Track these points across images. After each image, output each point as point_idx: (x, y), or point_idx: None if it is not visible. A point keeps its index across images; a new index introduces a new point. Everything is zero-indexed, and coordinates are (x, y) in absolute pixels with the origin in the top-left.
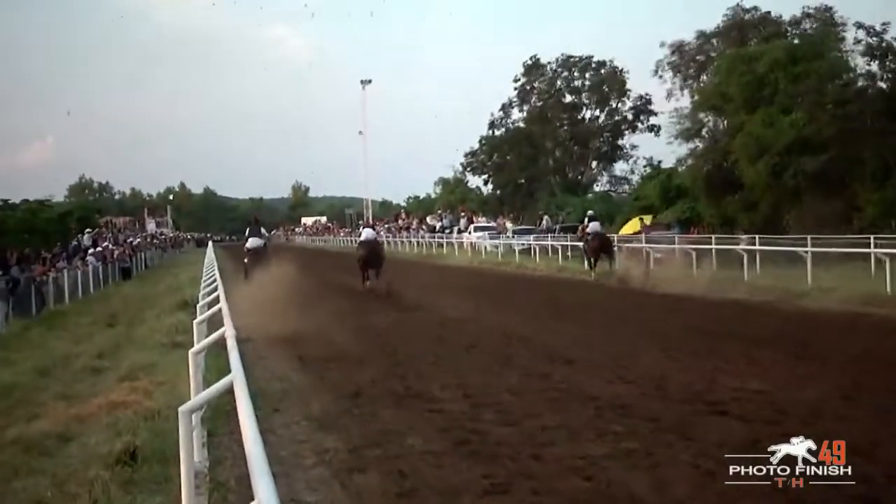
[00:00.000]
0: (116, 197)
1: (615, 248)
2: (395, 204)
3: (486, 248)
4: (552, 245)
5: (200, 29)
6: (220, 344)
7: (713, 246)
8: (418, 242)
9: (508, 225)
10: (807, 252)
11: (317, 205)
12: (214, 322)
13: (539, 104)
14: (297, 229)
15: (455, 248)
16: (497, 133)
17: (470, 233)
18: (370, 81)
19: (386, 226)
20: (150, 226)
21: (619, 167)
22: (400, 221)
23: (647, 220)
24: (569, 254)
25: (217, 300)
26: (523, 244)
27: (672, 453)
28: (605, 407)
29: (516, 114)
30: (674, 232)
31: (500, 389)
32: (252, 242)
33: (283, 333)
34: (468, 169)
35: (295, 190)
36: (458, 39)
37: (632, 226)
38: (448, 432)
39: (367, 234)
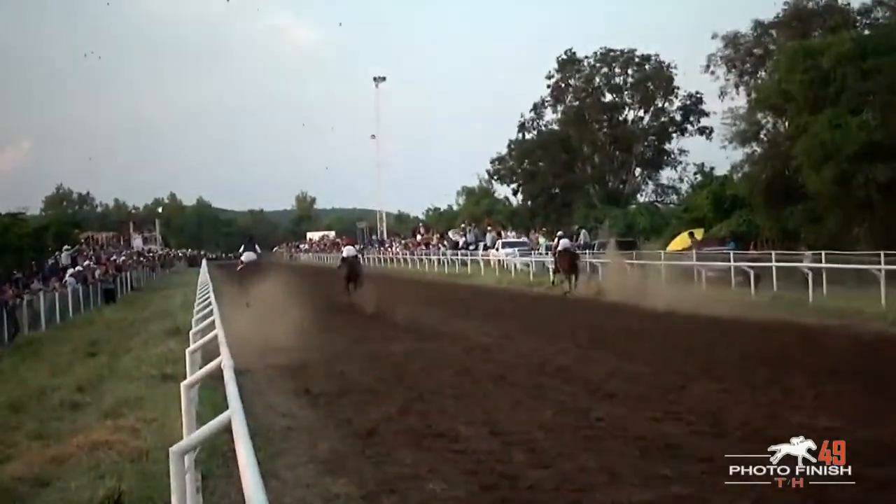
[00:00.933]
0: (98, 209)
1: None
2: (412, 217)
3: (515, 266)
4: (591, 263)
5: (192, 18)
6: (216, 376)
7: (773, 263)
8: (439, 260)
9: (541, 240)
10: (880, 270)
11: (324, 218)
12: (209, 351)
13: (575, 104)
14: (302, 246)
15: (481, 267)
16: (528, 136)
17: (497, 249)
18: (384, 79)
19: (403, 241)
20: (137, 242)
21: (666, 175)
22: (418, 237)
23: (699, 234)
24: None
25: (212, 326)
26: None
27: (729, 499)
28: (651, 446)
29: (549, 115)
30: (729, 248)
31: (532, 426)
32: (246, 256)
33: (286, 363)
34: (495, 177)
35: (299, 201)
36: (485, 31)
37: (680, 241)
38: (474, 475)
39: (348, 251)
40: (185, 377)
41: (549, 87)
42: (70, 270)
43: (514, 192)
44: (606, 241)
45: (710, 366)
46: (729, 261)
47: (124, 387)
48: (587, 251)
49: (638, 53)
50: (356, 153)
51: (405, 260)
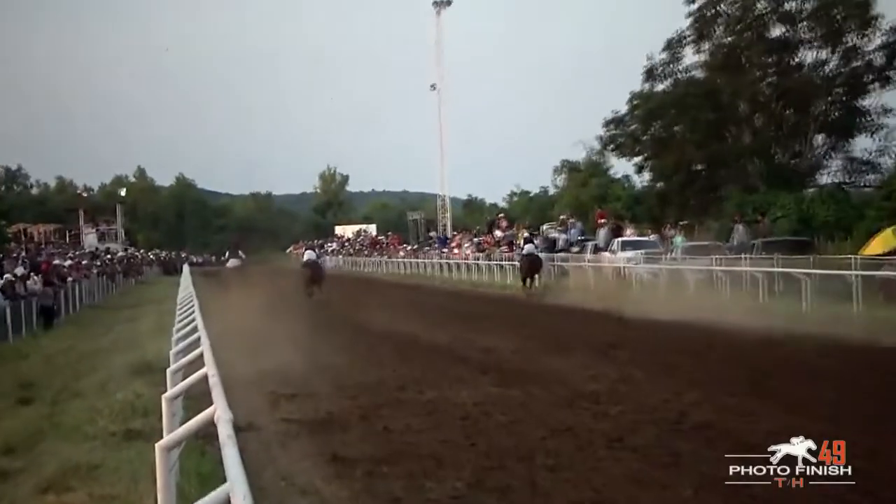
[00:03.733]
0: (34, 191)
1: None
2: (487, 204)
3: (640, 275)
4: (750, 273)
5: None
6: (207, 434)
7: None
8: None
9: (677, 239)
10: None
11: (359, 204)
12: (195, 397)
13: (728, 40)
14: (328, 245)
15: (590, 277)
16: (659, 88)
17: (614, 251)
18: (449, 2)
19: (474, 239)
20: (90, 238)
21: (861, 144)
22: (497, 232)
23: None
24: (778, 286)
25: (199, 362)
26: (702, 271)
27: None
28: None
29: (690, 57)
30: None
31: None
32: (231, 263)
33: (307, 415)
34: (610, 147)
35: (325, 181)
36: None
37: (883, 241)
38: None
39: (309, 255)
40: (160, 435)
41: (690, 15)
42: None
43: (638, 169)
44: (763, 238)
45: None
46: None
47: (72, 448)
48: (743, 254)
49: None
50: (407, 112)
51: (476, 266)
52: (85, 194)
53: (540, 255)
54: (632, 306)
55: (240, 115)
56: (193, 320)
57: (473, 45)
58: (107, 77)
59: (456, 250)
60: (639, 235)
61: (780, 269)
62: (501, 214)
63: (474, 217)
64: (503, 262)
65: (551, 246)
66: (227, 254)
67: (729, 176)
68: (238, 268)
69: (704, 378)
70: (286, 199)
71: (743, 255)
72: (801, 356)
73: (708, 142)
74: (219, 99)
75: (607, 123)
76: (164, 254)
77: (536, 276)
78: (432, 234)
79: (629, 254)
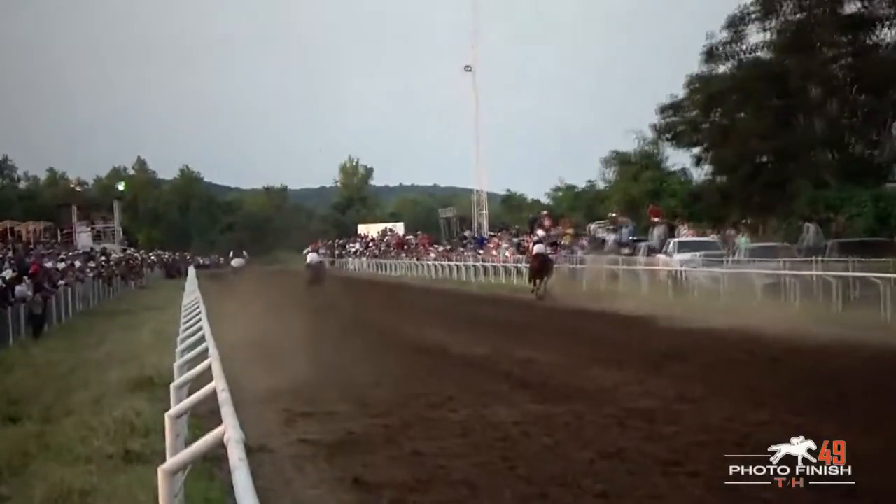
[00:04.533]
0: (22, 185)
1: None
2: (528, 200)
3: (697, 280)
4: (823, 278)
5: None
6: (215, 456)
7: None
8: (576, 270)
9: (741, 240)
10: None
11: (384, 200)
12: (201, 415)
13: (797, 17)
14: (351, 245)
15: (643, 281)
16: (720, 70)
17: (670, 253)
18: None
19: (514, 239)
20: (84, 238)
21: None
22: (540, 232)
23: None
24: (854, 293)
25: (206, 375)
26: (769, 275)
27: None
28: None
29: (755, 35)
30: None
31: None
32: (235, 262)
33: (325, 435)
34: (666, 136)
35: (346, 173)
36: None
37: None
38: None
39: (312, 257)
40: (162, 458)
41: None
42: None
43: (697, 161)
44: (836, 239)
45: None
46: None
47: (64, 472)
48: (814, 256)
49: None
50: (438, 98)
51: (516, 270)
52: (79, 188)
53: (550, 255)
54: (690, 314)
55: (252, 101)
56: (200, 329)
57: (511, 24)
58: (103, 58)
59: (493, 252)
60: (697, 235)
61: (857, 274)
62: (545, 212)
63: (514, 214)
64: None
65: (599, 247)
66: (231, 253)
67: (798, 169)
68: (243, 268)
69: (770, 395)
70: (303, 195)
71: (814, 258)
72: (880, 372)
73: (775, 131)
74: (228, 82)
75: (662, 110)
76: (166, 255)
77: (546, 277)
78: (467, 233)
79: (686, 256)
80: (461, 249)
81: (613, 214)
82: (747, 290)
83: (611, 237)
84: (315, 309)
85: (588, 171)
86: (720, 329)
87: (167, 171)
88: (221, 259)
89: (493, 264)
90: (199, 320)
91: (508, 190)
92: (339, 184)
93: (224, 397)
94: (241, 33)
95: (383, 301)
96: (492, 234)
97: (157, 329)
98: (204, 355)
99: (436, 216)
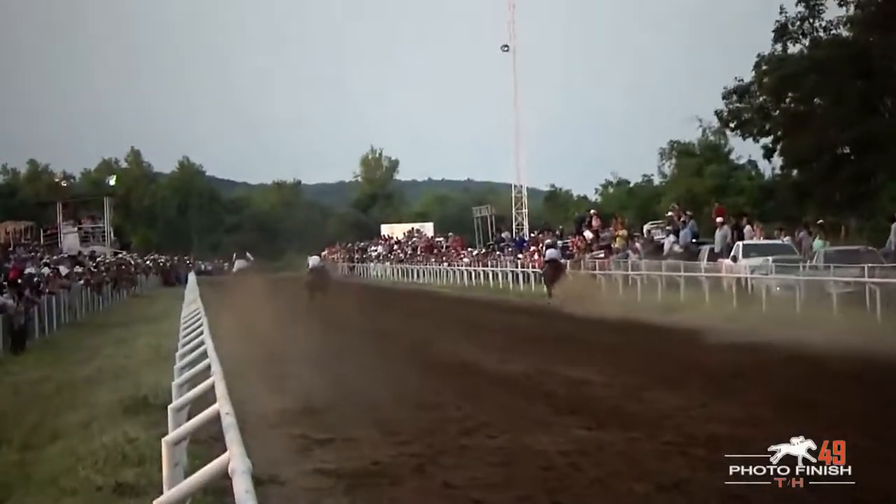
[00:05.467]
0: (0, 179)
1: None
2: (576, 197)
3: (769, 290)
4: None
5: None
6: (218, 488)
7: None
8: (630, 277)
9: (817, 243)
10: None
11: (411, 197)
12: (203, 441)
13: None
14: (373, 248)
15: (705, 291)
16: (794, 50)
17: (736, 257)
18: None
19: (559, 242)
20: (70, 239)
21: None
22: (588, 234)
23: None
24: None
25: (209, 396)
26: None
27: None
28: None
29: (833, 10)
30: None
31: None
32: (238, 265)
33: (344, 465)
34: (732, 124)
35: (367, 166)
36: None
37: None
38: None
39: (313, 261)
40: (158, 491)
41: None
42: None
43: (768, 153)
44: None
45: None
46: None
47: None
48: None
49: None
50: (473, 81)
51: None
52: (64, 183)
53: (563, 261)
54: (758, 327)
55: (262, 85)
56: (202, 344)
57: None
58: (92, 37)
59: (535, 256)
60: (766, 238)
61: None
62: (593, 210)
63: (558, 213)
64: (596, 272)
65: (656, 251)
66: (234, 256)
67: (883, 162)
68: (246, 271)
69: (848, 420)
70: (319, 190)
71: None
72: None
73: (857, 118)
74: (235, 64)
75: (728, 94)
76: (163, 259)
77: (556, 283)
78: (504, 234)
79: (755, 261)
80: (498, 253)
81: (671, 214)
82: (822, 301)
83: (669, 239)
84: (333, 320)
85: (644, 165)
86: (793, 344)
87: (165, 164)
88: (226, 264)
89: (535, 270)
90: (201, 334)
91: (552, 185)
92: (359, 178)
93: (229, 421)
94: (250, 12)
95: (409, 312)
96: (533, 235)
97: (154, 344)
98: (206, 373)
99: (469, 215)
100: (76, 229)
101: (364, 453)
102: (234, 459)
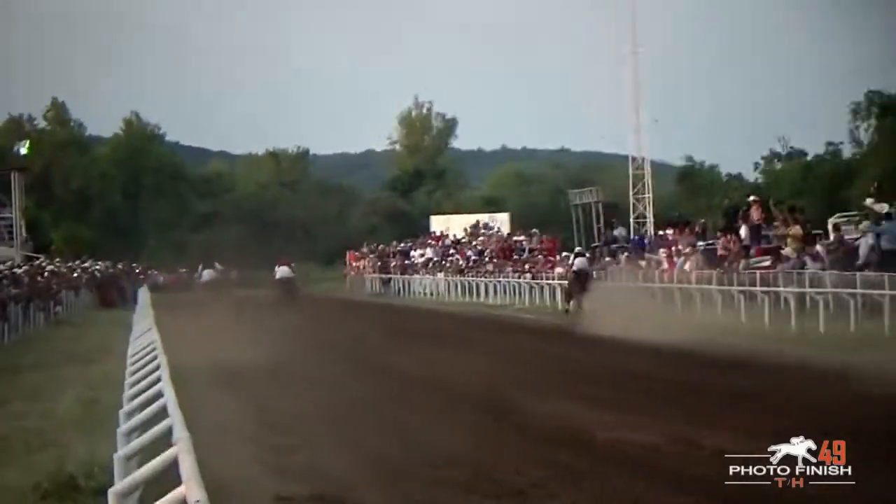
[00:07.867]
0: None
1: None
2: (724, 176)
3: None
4: None
5: None
6: None
7: None
8: (808, 296)
9: None
10: None
11: (474, 175)
12: None
13: None
14: (420, 251)
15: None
16: None
17: None
18: None
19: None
20: None
21: None
22: (743, 231)
23: None
24: None
25: (169, 474)
26: None
27: None
28: None
29: None
30: None
31: None
32: (206, 276)
33: None
34: None
35: (410, 128)
36: None
37: None
38: None
39: (282, 271)
40: None
41: None
42: None
43: None
44: None
45: None
46: None
47: None
48: None
49: None
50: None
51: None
52: None
53: (590, 271)
54: None
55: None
56: (159, 396)
57: None
58: None
59: (664, 262)
60: None
61: None
62: (753, 197)
63: (698, 200)
64: (758, 288)
65: (848, 258)
66: (200, 266)
67: None
68: (213, 285)
69: None
70: (337, 164)
71: None
72: None
73: None
74: None
75: None
76: (100, 267)
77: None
78: (618, 231)
79: None
80: (608, 259)
81: (871, 200)
82: None
83: (867, 240)
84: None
85: (827, 130)
86: None
87: (103, 125)
88: (194, 274)
89: (664, 285)
90: (158, 381)
91: (689, 159)
92: (397, 146)
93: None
94: None
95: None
96: (662, 232)
97: (86, 396)
98: (166, 441)
99: (564, 202)
100: None
101: None
102: None
